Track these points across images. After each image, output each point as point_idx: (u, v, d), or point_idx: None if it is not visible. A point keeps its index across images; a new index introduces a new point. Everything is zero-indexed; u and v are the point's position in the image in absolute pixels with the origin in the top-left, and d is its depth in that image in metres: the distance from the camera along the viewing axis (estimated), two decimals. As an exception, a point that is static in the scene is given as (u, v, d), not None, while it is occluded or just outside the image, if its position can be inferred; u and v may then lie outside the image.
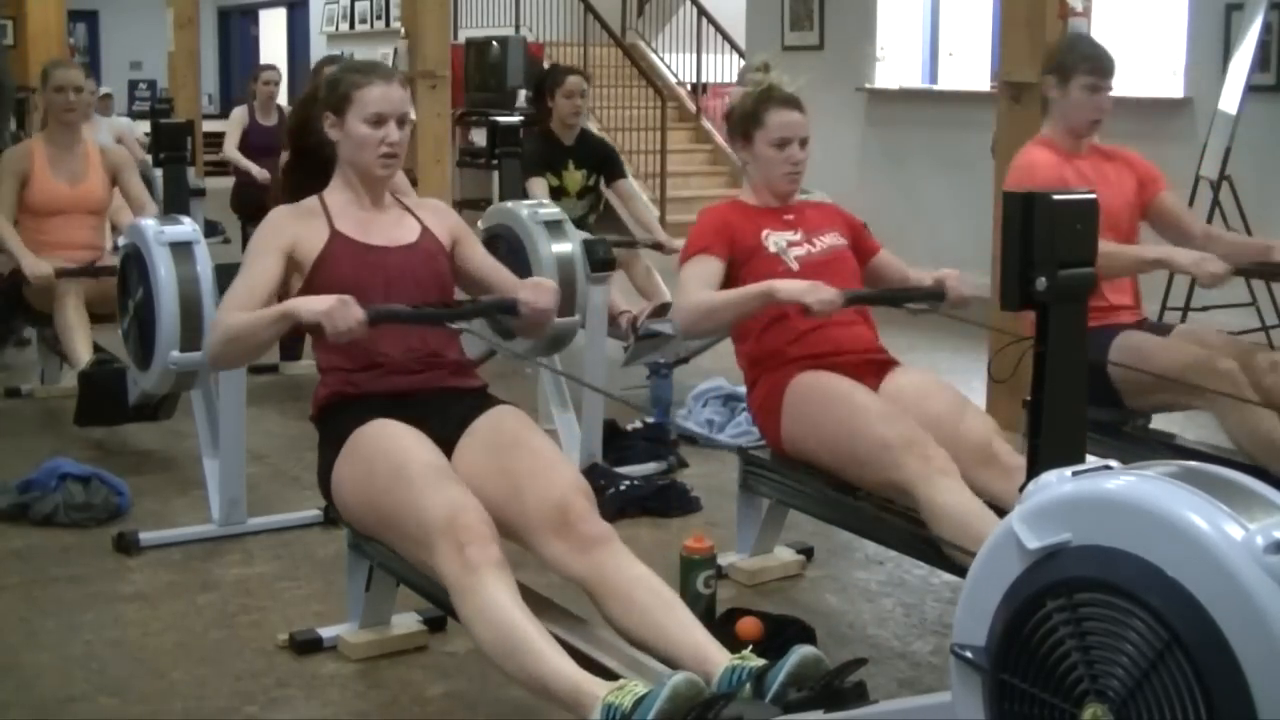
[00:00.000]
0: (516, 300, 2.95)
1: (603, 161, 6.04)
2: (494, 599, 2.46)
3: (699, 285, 3.34)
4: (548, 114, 5.92)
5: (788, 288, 3.17)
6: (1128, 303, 3.88)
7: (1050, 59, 3.93)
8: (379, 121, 2.93)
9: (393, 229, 3.03)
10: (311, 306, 2.71)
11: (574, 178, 5.91)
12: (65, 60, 5.65)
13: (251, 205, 8.48)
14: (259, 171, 8.28)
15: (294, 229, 2.95)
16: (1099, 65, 3.83)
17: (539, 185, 5.74)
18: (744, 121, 3.49)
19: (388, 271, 2.95)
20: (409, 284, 2.95)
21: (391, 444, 2.73)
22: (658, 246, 5.78)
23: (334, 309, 2.67)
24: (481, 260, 3.14)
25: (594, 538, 2.61)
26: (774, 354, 3.38)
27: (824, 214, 3.59)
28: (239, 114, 8.83)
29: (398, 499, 2.65)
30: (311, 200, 3.03)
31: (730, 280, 3.38)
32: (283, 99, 8.96)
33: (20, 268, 4.98)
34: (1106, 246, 3.24)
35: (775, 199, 3.51)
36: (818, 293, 3.10)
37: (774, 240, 3.42)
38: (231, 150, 8.60)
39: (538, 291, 2.96)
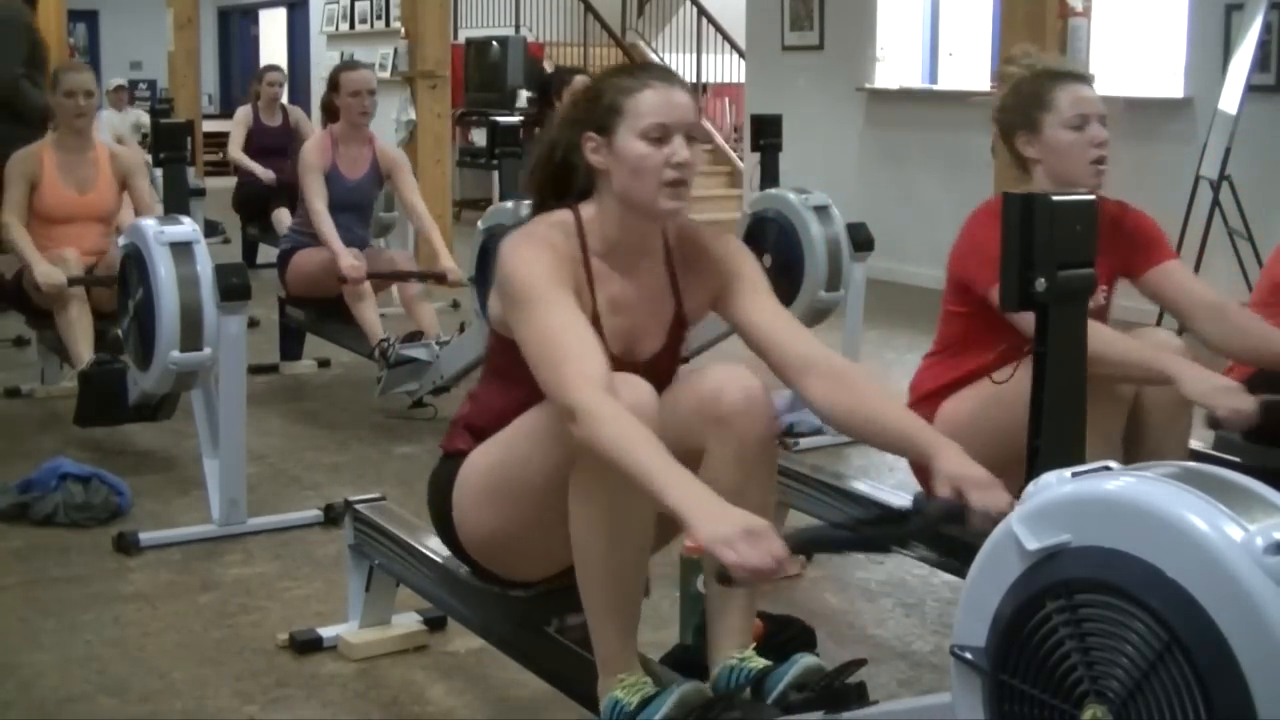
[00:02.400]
0: (965, 507, 2.18)
1: None
2: (626, 503, 2.14)
3: None
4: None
5: (1196, 383, 2.61)
6: None
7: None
8: (662, 136, 2.27)
9: (645, 318, 2.40)
10: (711, 529, 1.91)
11: None
12: (74, 63, 5.51)
13: (253, 206, 8.49)
14: (264, 173, 8.23)
15: (570, 274, 2.29)
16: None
17: None
18: (1025, 108, 2.93)
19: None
20: None
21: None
22: None
23: (738, 543, 1.89)
24: (753, 318, 2.41)
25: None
26: (945, 388, 3.02)
27: (1107, 257, 2.77)
28: (243, 114, 8.71)
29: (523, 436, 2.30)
30: (570, 227, 2.35)
31: (984, 314, 2.85)
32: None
33: (31, 272, 4.99)
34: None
35: None
36: (1231, 400, 2.58)
37: None
38: (236, 152, 8.49)
39: (992, 495, 2.17)
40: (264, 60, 18.64)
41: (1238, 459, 3.47)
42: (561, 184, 2.40)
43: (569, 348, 2.12)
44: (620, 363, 2.25)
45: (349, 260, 5.28)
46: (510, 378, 2.32)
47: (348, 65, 5.83)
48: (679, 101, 2.29)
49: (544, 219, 2.37)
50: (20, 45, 6.13)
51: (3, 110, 6.02)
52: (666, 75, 2.35)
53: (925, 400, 3.03)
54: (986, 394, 2.82)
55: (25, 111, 6.06)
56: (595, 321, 2.27)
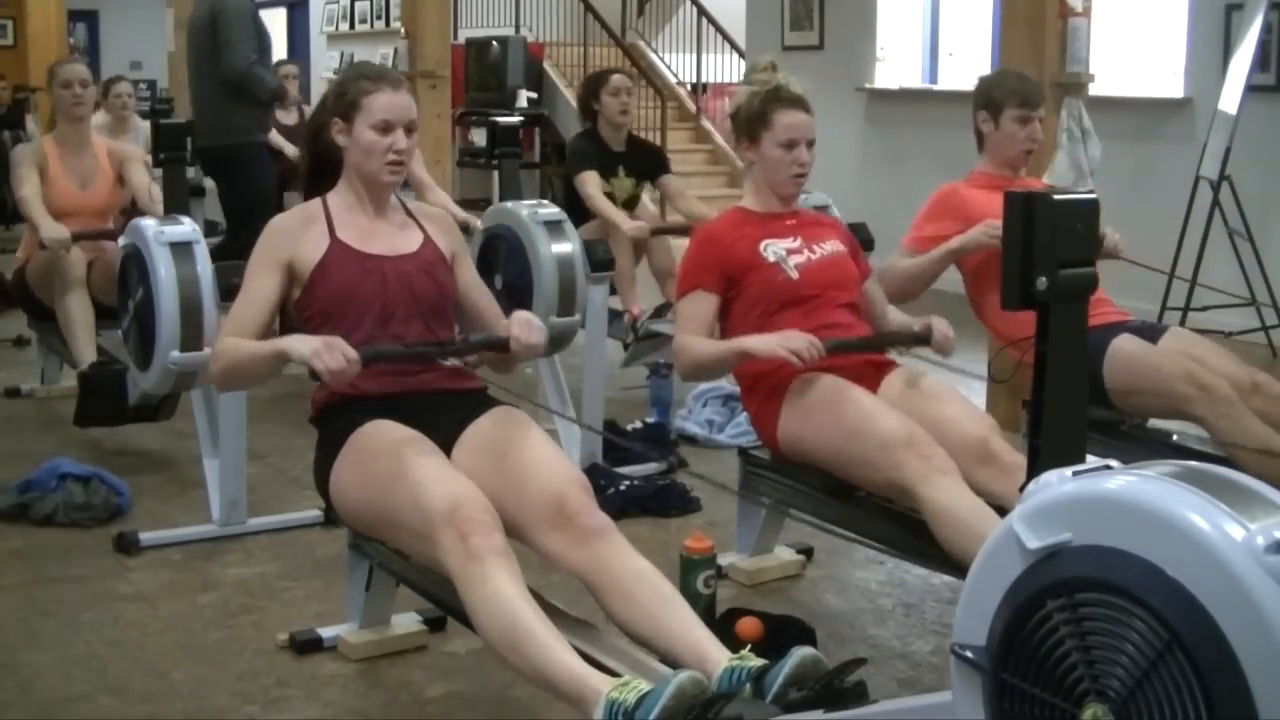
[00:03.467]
0: (508, 337, 2.89)
1: (653, 165, 5.89)
2: (498, 589, 2.46)
3: (694, 327, 3.34)
4: (594, 117, 5.74)
5: (760, 345, 3.16)
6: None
7: (980, 94, 3.95)
8: (386, 128, 2.92)
9: (394, 238, 3.01)
10: (301, 348, 2.70)
11: (623, 185, 5.72)
12: (69, 57, 5.81)
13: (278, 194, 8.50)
14: (293, 150, 8.18)
15: (294, 240, 2.94)
16: (1027, 97, 3.88)
17: (593, 179, 5.53)
18: (750, 122, 3.46)
19: (385, 279, 2.93)
20: (405, 292, 2.94)
21: (390, 442, 2.74)
22: None
23: (322, 351, 2.65)
24: (469, 283, 3.13)
25: (593, 530, 2.61)
26: (771, 367, 3.32)
27: (824, 226, 3.56)
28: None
29: (398, 494, 2.65)
30: (315, 204, 3.02)
31: (734, 294, 3.35)
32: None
33: (32, 262, 5.13)
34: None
35: (779, 201, 3.48)
36: (790, 343, 3.10)
37: (773, 250, 3.38)
38: (274, 135, 8.56)
39: (527, 329, 2.89)
40: (264, 60, 18.65)
41: None
42: (315, 146, 3.06)
43: (237, 318, 2.92)
44: (386, 258, 2.95)
45: None
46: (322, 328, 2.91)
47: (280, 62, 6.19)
48: (402, 103, 2.95)
49: (295, 209, 3.04)
50: (251, 33, 6.22)
51: (238, 95, 6.13)
52: (396, 80, 2.98)
53: None
54: (827, 392, 3.28)
55: (259, 95, 6.22)
56: (340, 244, 2.94)
